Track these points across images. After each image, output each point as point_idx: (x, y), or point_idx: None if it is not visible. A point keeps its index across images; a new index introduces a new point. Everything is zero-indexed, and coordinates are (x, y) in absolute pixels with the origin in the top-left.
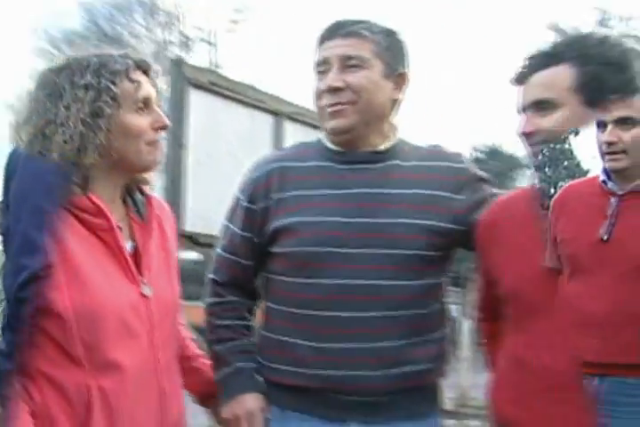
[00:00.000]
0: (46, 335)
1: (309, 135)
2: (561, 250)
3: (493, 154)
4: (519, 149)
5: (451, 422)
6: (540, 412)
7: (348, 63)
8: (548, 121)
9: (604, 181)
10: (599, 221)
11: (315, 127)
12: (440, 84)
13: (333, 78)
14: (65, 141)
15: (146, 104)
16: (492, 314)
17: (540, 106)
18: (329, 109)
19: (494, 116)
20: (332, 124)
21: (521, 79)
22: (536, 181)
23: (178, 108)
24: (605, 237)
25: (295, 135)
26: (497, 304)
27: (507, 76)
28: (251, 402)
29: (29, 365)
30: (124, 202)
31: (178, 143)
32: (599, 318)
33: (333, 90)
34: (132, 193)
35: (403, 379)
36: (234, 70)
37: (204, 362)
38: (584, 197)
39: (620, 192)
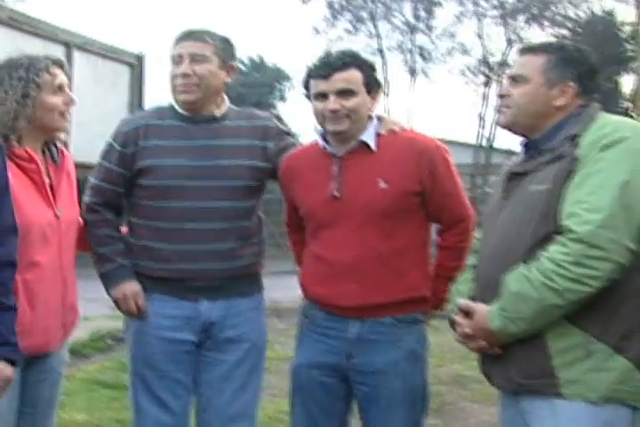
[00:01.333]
0: None
1: (96, 63)
2: (301, 211)
3: (257, 66)
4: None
5: None
6: (333, 289)
7: (195, 58)
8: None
9: (323, 146)
10: (327, 181)
11: (103, 56)
12: None
13: (186, 68)
14: (4, 114)
15: (60, 88)
16: (296, 227)
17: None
18: (180, 88)
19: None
20: (182, 97)
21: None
22: None
23: None
24: (337, 194)
25: (81, 63)
26: (299, 221)
27: None
28: (134, 285)
29: None
30: (43, 152)
31: None
32: (349, 265)
33: (186, 75)
34: (49, 147)
35: (236, 270)
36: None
37: None
38: (310, 161)
39: (340, 153)
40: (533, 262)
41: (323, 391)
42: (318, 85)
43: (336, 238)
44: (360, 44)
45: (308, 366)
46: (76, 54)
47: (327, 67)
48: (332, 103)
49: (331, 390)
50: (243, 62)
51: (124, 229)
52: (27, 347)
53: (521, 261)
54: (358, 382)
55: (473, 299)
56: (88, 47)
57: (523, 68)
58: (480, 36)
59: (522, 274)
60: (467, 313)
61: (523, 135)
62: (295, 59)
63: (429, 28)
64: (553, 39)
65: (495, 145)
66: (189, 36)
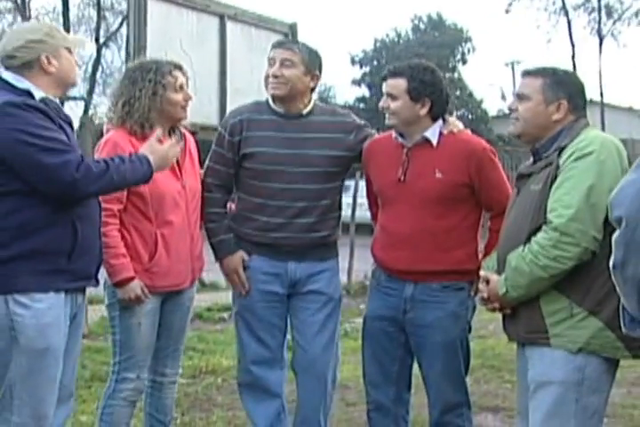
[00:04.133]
0: (135, 206)
1: (249, 33)
2: (374, 188)
3: (436, 25)
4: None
5: None
6: (390, 254)
7: (284, 63)
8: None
9: (396, 138)
10: (396, 166)
11: (256, 26)
12: None
13: (276, 70)
14: (140, 107)
15: (181, 88)
16: (375, 200)
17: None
18: (271, 86)
19: None
20: (271, 92)
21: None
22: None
23: (139, 14)
24: (402, 178)
25: (235, 33)
26: (376, 197)
27: None
28: (233, 260)
29: (125, 221)
30: (170, 135)
31: (140, 44)
32: (405, 236)
33: (275, 76)
34: (175, 130)
35: (316, 239)
36: None
37: None
38: (384, 148)
39: (409, 145)
40: (528, 245)
41: (386, 338)
42: (383, 86)
43: (397, 214)
44: (542, 2)
45: (373, 317)
46: (230, 25)
47: (386, 72)
48: (382, 102)
49: (392, 337)
50: (421, 20)
51: (232, 204)
52: (165, 285)
53: (522, 244)
54: (411, 332)
55: (498, 272)
56: (240, 17)
57: (525, 88)
58: None
59: (519, 253)
60: (487, 282)
61: (530, 143)
62: (476, 18)
63: None
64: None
65: None
66: (282, 45)
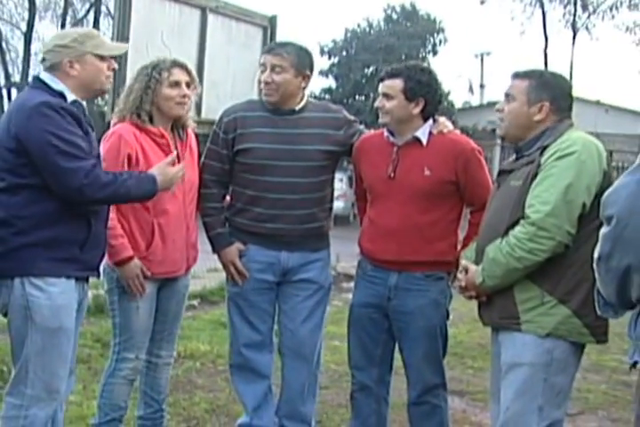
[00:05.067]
0: None
1: (230, 25)
2: (364, 184)
3: (408, 15)
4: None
5: None
6: (378, 246)
7: (274, 69)
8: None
9: (387, 136)
10: (387, 164)
11: (236, 19)
12: None
13: (267, 76)
14: (134, 99)
15: (176, 84)
16: (363, 196)
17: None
18: (263, 92)
19: None
20: (264, 98)
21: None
22: None
23: (123, 6)
24: (392, 175)
25: (215, 25)
26: (365, 193)
27: None
28: (230, 252)
29: (124, 211)
30: (172, 131)
31: (123, 36)
32: (393, 230)
33: (267, 82)
34: (178, 127)
35: (309, 230)
36: None
37: None
38: (375, 146)
39: (400, 143)
40: (505, 238)
41: (370, 324)
42: (380, 86)
43: (386, 208)
44: None
45: (359, 305)
46: (211, 17)
47: (383, 74)
48: (378, 102)
49: (376, 322)
50: (394, 10)
51: (227, 197)
52: (161, 272)
53: (500, 236)
54: (394, 318)
55: (476, 262)
56: (222, 10)
57: (512, 89)
58: None
59: (496, 245)
60: (466, 271)
61: (513, 142)
62: (449, 8)
63: None
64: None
65: None
66: (271, 50)
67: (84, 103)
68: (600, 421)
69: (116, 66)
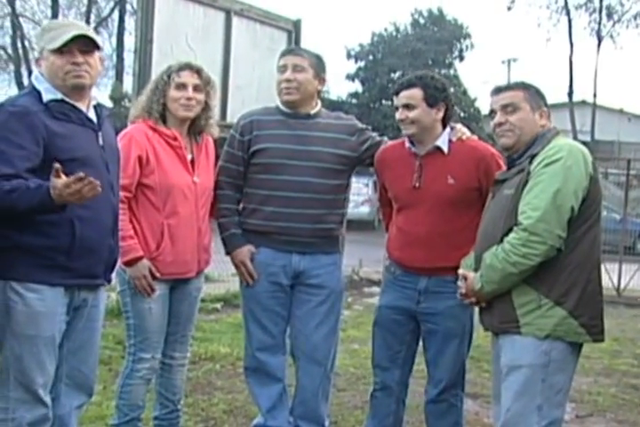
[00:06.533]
0: (146, 197)
1: (254, 29)
2: (389, 194)
3: (436, 20)
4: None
5: None
6: (407, 254)
7: (296, 68)
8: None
9: (409, 147)
10: (411, 174)
11: (261, 22)
12: None
13: (289, 75)
14: (145, 100)
15: (183, 86)
16: (386, 203)
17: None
18: (284, 91)
19: None
20: (285, 97)
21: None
22: None
23: (147, 7)
24: (417, 185)
25: (240, 28)
26: (389, 200)
27: None
28: (242, 253)
29: (137, 212)
30: (189, 134)
31: (146, 38)
32: (421, 238)
33: (289, 80)
34: (196, 132)
35: (321, 231)
36: None
37: None
38: (397, 157)
39: (422, 153)
40: (500, 245)
41: (396, 325)
42: (395, 100)
43: (413, 217)
44: (544, 0)
45: (387, 307)
46: (235, 20)
47: (397, 87)
48: (400, 114)
49: (402, 324)
50: (421, 14)
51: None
52: (170, 273)
53: (496, 244)
54: (423, 320)
55: (475, 270)
56: (246, 13)
57: (511, 99)
58: None
59: (492, 252)
60: (465, 279)
61: (507, 150)
62: (476, 14)
63: None
64: None
65: None
66: (291, 52)
67: (89, 102)
68: (607, 423)
69: (80, 59)
